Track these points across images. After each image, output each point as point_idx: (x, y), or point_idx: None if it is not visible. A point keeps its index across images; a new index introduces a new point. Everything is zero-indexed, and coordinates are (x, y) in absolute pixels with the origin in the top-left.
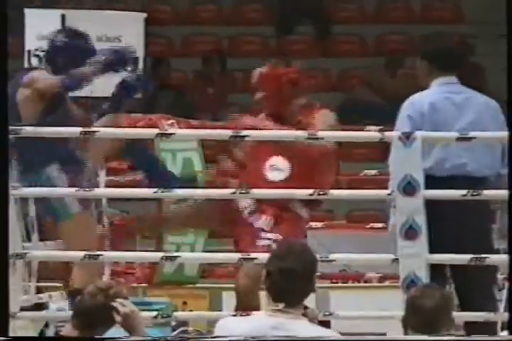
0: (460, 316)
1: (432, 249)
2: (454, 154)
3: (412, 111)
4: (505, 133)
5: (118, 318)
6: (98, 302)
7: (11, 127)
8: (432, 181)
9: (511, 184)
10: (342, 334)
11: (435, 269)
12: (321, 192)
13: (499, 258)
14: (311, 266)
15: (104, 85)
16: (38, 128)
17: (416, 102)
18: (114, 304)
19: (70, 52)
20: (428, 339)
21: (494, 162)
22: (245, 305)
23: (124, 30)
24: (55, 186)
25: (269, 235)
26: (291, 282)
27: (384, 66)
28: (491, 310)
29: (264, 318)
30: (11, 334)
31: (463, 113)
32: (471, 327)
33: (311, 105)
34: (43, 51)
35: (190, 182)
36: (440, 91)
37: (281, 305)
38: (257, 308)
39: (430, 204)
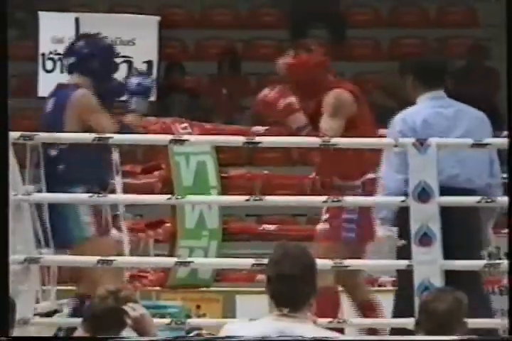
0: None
1: None
2: (449, 165)
3: (404, 127)
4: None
5: (129, 322)
6: (108, 305)
7: (24, 132)
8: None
9: (511, 189)
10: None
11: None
12: (335, 200)
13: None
14: (310, 267)
15: None
16: (52, 134)
17: (407, 118)
18: (125, 308)
19: (100, 56)
20: (428, 339)
21: (483, 172)
22: None
23: (138, 34)
24: (77, 207)
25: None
26: (291, 286)
27: (398, 70)
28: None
29: (270, 323)
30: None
31: (455, 126)
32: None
33: (333, 83)
34: (72, 61)
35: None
36: (430, 106)
37: (285, 310)
38: None
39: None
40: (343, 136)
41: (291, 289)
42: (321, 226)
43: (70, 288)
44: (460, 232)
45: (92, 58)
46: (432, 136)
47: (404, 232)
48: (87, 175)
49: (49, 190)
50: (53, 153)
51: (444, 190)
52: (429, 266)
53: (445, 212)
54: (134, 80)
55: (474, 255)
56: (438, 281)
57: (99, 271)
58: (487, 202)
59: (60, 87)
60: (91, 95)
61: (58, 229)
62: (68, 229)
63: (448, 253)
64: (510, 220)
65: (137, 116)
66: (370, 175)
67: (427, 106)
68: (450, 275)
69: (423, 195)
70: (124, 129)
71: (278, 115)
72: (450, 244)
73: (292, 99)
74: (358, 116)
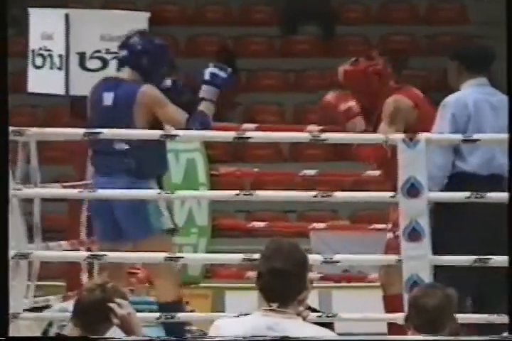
0: (462, 318)
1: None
2: (499, 153)
3: (457, 110)
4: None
5: (115, 320)
6: (96, 298)
7: (14, 128)
8: (478, 179)
9: (511, 185)
10: (343, 334)
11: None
12: (325, 194)
13: (503, 260)
14: (301, 264)
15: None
16: (43, 129)
17: (460, 101)
18: (111, 305)
19: (152, 52)
20: (428, 339)
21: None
22: None
23: (128, 30)
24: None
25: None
26: (282, 282)
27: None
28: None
29: (258, 319)
30: (15, 333)
31: (498, 115)
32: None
33: (395, 89)
34: (123, 57)
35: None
36: (478, 92)
37: (275, 305)
38: None
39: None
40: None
41: (282, 284)
42: (387, 236)
43: (59, 283)
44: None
45: (143, 53)
46: (484, 123)
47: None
48: (158, 170)
49: (118, 185)
50: (124, 147)
51: (494, 178)
52: (418, 261)
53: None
54: (208, 70)
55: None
56: (427, 276)
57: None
58: (476, 197)
59: (118, 81)
60: (155, 88)
61: (133, 221)
62: (148, 222)
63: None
64: (510, 217)
65: (209, 103)
66: None
67: (475, 92)
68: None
69: (412, 190)
70: (199, 118)
71: (338, 118)
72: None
73: (353, 103)
74: (420, 122)
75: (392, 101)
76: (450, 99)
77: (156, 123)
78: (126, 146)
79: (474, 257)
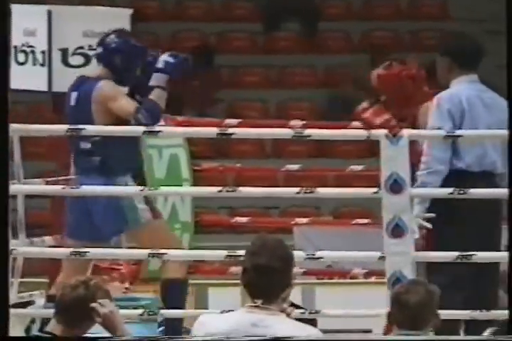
0: (446, 314)
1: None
2: (491, 150)
3: (452, 106)
4: (494, 131)
5: (98, 319)
6: (79, 295)
7: None
8: (470, 176)
9: (511, 183)
10: (327, 330)
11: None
12: (308, 191)
13: (487, 256)
14: (287, 260)
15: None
16: (26, 125)
17: (454, 98)
18: (94, 304)
19: (126, 52)
20: (427, 339)
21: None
22: None
23: (110, 26)
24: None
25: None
26: (267, 278)
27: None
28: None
29: (243, 315)
30: None
31: (491, 112)
32: None
33: (430, 94)
34: (98, 54)
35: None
36: (470, 88)
37: (259, 302)
38: None
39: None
40: None
41: (266, 281)
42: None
43: (42, 280)
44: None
45: (116, 52)
46: (477, 118)
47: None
48: (127, 165)
49: (88, 182)
50: (87, 145)
51: (486, 174)
52: (401, 257)
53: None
54: (162, 58)
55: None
56: (409, 272)
57: None
58: (459, 193)
59: (82, 80)
60: (111, 83)
61: (109, 219)
62: (123, 217)
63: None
64: (510, 214)
65: (160, 90)
66: None
67: (467, 88)
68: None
69: (395, 186)
70: (149, 105)
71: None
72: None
73: (387, 116)
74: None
75: (428, 106)
76: (444, 94)
77: (121, 119)
78: (89, 144)
79: (457, 253)
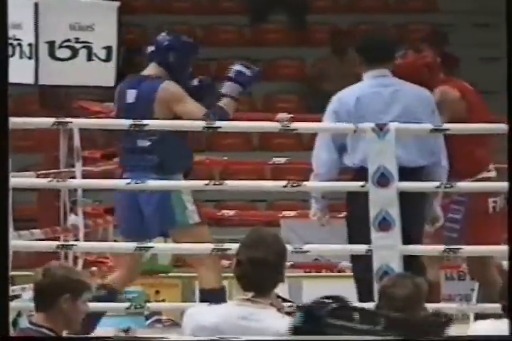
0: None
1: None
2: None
3: (338, 107)
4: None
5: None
6: (41, 282)
7: None
8: (365, 173)
9: (511, 180)
10: None
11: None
12: (295, 184)
13: (472, 250)
14: (281, 256)
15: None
16: (12, 118)
17: (343, 98)
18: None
19: (178, 49)
20: (427, 339)
21: (425, 152)
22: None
23: (97, 19)
24: (181, 193)
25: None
26: (260, 271)
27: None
28: None
29: (232, 308)
30: None
31: (391, 106)
32: None
33: (441, 81)
34: (151, 52)
35: None
36: (369, 85)
37: (250, 295)
38: None
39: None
40: (447, 137)
41: (261, 274)
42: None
43: (28, 273)
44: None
45: (170, 50)
46: (368, 117)
47: (357, 214)
48: (183, 164)
49: (138, 180)
50: (146, 143)
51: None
52: (388, 250)
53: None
54: (236, 67)
55: (415, 231)
56: (397, 266)
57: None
58: (446, 187)
59: (140, 78)
60: (174, 84)
61: (158, 217)
62: (173, 217)
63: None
64: (510, 210)
65: (230, 100)
66: (483, 174)
67: (366, 85)
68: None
69: (382, 179)
70: (219, 113)
71: None
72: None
73: None
74: (468, 113)
75: (439, 92)
76: (337, 95)
77: (178, 120)
78: (148, 142)
79: (444, 247)
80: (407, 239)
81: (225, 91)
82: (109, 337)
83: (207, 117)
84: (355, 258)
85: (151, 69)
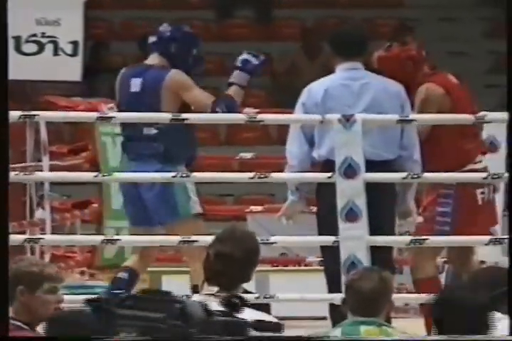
0: (400, 298)
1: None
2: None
3: (307, 99)
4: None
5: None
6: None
7: None
8: (332, 165)
9: (511, 174)
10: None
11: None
12: (262, 176)
13: (439, 240)
14: (251, 253)
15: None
16: None
17: (312, 90)
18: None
19: (180, 39)
20: (426, 339)
21: (392, 145)
22: None
23: (63, 14)
24: (185, 184)
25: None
26: (226, 266)
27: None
28: None
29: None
30: None
31: (359, 99)
32: None
33: (429, 76)
34: (153, 43)
35: None
36: (338, 78)
37: (214, 289)
38: None
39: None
40: (434, 130)
41: (226, 269)
42: (417, 220)
43: None
44: (371, 201)
45: (172, 40)
46: (336, 110)
47: (325, 207)
48: (188, 153)
49: (144, 168)
50: (152, 131)
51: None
52: (356, 241)
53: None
54: (243, 56)
55: (385, 224)
56: (364, 257)
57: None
58: (413, 178)
59: (144, 67)
60: (182, 73)
61: (161, 207)
62: (175, 206)
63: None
64: (510, 211)
65: (238, 88)
66: (470, 166)
67: (336, 78)
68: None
69: (349, 170)
70: (228, 101)
71: None
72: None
73: None
74: (453, 109)
75: (424, 89)
76: (307, 87)
77: (185, 108)
78: (155, 131)
79: (410, 238)
80: (377, 232)
81: (233, 80)
82: (109, 337)
83: (218, 105)
84: (325, 251)
85: (154, 59)
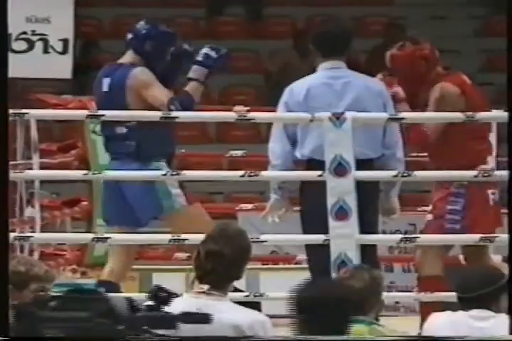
0: (390, 297)
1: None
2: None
3: (289, 99)
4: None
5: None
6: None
7: None
8: (316, 164)
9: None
10: (271, 315)
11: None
12: (252, 174)
13: (429, 238)
14: (242, 251)
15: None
16: None
17: (294, 89)
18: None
19: (156, 38)
20: (427, 339)
21: (375, 144)
22: None
23: (53, 12)
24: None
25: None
26: (216, 264)
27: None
28: None
29: (188, 300)
30: None
31: (341, 98)
32: None
33: (443, 76)
34: (128, 40)
35: None
36: (320, 77)
37: (205, 287)
38: None
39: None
40: (446, 130)
41: (216, 267)
42: (427, 218)
43: None
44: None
45: (147, 38)
46: (318, 109)
47: (309, 206)
48: (162, 150)
49: (122, 168)
50: (123, 130)
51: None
52: (346, 239)
53: None
54: (203, 50)
55: (368, 220)
56: (354, 255)
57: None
58: (403, 176)
59: (115, 66)
60: (146, 71)
61: (144, 204)
62: (158, 203)
63: None
64: (510, 204)
65: (197, 84)
66: (483, 166)
67: (317, 77)
68: None
69: (339, 169)
70: (184, 98)
71: None
72: None
73: (399, 89)
74: (468, 108)
75: (439, 88)
76: (290, 86)
77: (154, 107)
78: (125, 129)
79: (400, 236)
80: (361, 229)
81: (192, 76)
82: (109, 337)
83: (171, 103)
84: (310, 250)
85: (128, 57)
